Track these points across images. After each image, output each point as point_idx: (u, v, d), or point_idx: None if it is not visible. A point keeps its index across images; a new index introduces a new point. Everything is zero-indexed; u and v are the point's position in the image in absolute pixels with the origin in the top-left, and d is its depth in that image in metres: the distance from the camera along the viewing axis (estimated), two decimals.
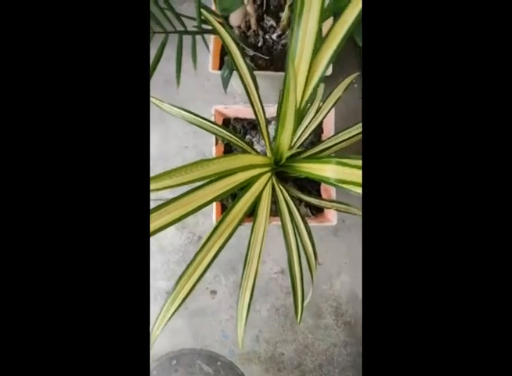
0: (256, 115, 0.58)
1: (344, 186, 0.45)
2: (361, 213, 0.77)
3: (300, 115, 0.50)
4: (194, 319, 0.99)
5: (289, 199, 0.67)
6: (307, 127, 0.66)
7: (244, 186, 0.55)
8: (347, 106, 1.00)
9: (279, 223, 0.62)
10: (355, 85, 1.00)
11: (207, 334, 0.99)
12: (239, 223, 0.49)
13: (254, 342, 0.99)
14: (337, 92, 0.66)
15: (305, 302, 0.66)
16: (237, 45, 0.55)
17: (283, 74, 0.73)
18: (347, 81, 0.67)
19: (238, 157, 0.56)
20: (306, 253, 0.63)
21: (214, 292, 1.00)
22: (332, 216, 0.72)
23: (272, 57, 0.77)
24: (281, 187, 0.67)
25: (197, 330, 0.99)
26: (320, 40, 0.44)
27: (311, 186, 0.76)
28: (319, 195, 0.76)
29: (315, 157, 0.64)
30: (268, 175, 0.61)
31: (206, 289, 0.99)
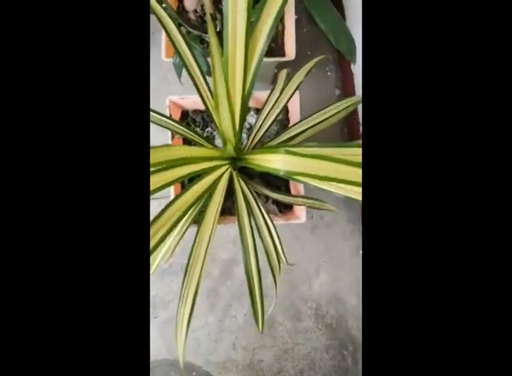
0: (205, 104, 0.51)
1: (297, 177, 0.39)
2: (334, 209, 0.71)
3: (244, 99, 0.43)
4: (165, 328, 0.92)
5: (250, 196, 0.60)
6: (268, 115, 0.60)
7: (192, 179, 0.49)
8: (320, 96, 0.94)
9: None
10: (329, 74, 0.94)
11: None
12: (180, 219, 0.43)
13: (230, 350, 0.93)
14: (299, 77, 0.60)
15: (268, 312, 0.61)
16: (178, 25, 0.49)
17: (267, 59, 0.68)
18: (310, 64, 0.61)
19: (183, 147, 0.49)
20: (268, 255, 0.57)
21: None
22: (300, 213, 0.66)
23: None
24: (241, 183, 0.60)
25: (169, 339, 0.93)
26: (252, 14, 0.37)
27: (280, 181, 0.70)
28: (288, 191, 0.70)
29: (264, 147, 0.58)
30: (224, 168, 0.55)
31: (176, 296, 0.93)
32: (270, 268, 0.59)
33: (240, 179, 0.62)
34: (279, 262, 0.62)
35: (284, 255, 0.69)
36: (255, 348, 0.93)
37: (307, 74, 0.60)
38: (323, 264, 0.94)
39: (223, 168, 0.55)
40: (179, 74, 0.64)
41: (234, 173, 0.61)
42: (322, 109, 0.59)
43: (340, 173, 0.37)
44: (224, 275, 0.93)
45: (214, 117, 0.49)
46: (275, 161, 0.39)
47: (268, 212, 0.67)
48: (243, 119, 0.47)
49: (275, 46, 0.71)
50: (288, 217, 0.69)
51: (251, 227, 0.56)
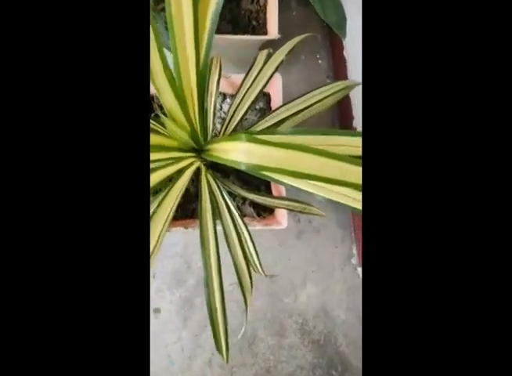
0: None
1: (263, 173, 0.30)
2: (323, 213, 0.62)
3: (201, 77, 0.34)
4: None
5: (219, 195, 0.51)
6: (242, 100, 0.51)
7: None
8: (310, 85, 0.85)
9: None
10: (320, 61, 0.85)
11: (151, 361, 0.82)
12: None
13: (206, 367, 0.83)
14: (279, 56, 0.50)
15: (239, 336, 0.52)
16: None
17: (247, 37, 0.59)
18: (293, 42, 0.52)
19: None
20: (236, 268, 0.47)
21: (157, 310, 0.83)
22: (282, 217, 0.57)
23: (231, 14, 0.61)
24: (210, 179, 0.51)
25: None
26: None
27: (260, 180, 0.61)
28: (268, 191, 0.61)
29: (225, 136, 0.48)
30: (187, 162, 0.45)
31: None
32: (240, 286, 0.50)
33: (209, 175, 0.52)
34: (250, 279, 0.52)
35: (261, 266, 0.59)
36: (233, 367, 0.83)
37: (289, 52, 0.50)
38: (311, 273, 0.85)
39: (185, 162, 0.46)
40: None
41: (203, 168, 0.51)
42: (308, 92, 0.50)
43: (321, 169, 0.28)
44: (200, 284, 0.83)
45: (160, 98, 0.39)
46: (235, 151, 0.30)
47: (243, 216, 0.58)
48: (201, 100, 0.37)
49: (256, 24, 0.62)
50: (267, 221, 0.60)
51: (215, 233, 0.46)
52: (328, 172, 0.28)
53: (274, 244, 0.85)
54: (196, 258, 0.83)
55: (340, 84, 0.51)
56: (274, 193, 0.60)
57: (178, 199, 0.42)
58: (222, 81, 0.57)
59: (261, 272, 0.60)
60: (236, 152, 0.29)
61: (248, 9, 0.60)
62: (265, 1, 0.60)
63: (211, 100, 0.56)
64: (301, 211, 0.58)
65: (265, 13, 0.61)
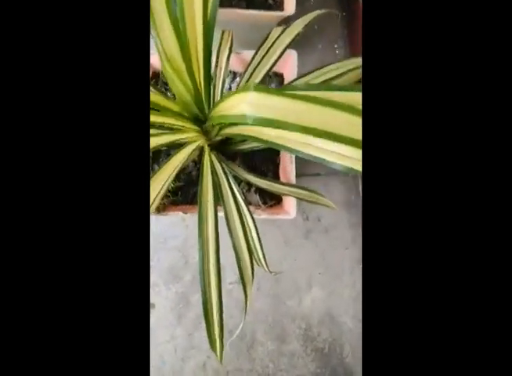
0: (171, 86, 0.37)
1: (270, 128, 0.25)
2: (333, 206, 0.57)
3: (208, 29, 0.30)
4: None
5: (223, 178, 0.46)
6: (250, 78, 0.46)
7: None
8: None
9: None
10: (337, 51, 0.81)
11: None
12: None
13: (199, 371, 0.77)
14: (293, 30, 0.46)
15: (233, 336, 0.47)
16: None
17: (262, 13, 0.55)
18: (308, 17, 0.48)
19: None
20: (238, 259, 0.42)
21: (151, 306, 0.79)
22: (289, 206, 0.52)
23: None
24: (213, 160, 0.46)
25: None
26: None
27: (266, 165, 0.56)
28: (275, 178, 0.56)
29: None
30: (188, 135, 0.41)
31: None
32: (240, 277, 0.45)
33: (213, 156, 0.48)
34: (252, 273, 0.47)
35: (265, 260, 0.54)
36: (229, 372, 0.77)
37: (305, 26, 0.46)
38: (317, 276, 0.79)
39: (187, 134, 0.42)
40: None
41: (206, 148, 0.47)
42: (319, 68, 0.45)
43: (336, 124, 0.23)
44: (197, 281, 0.78)
45: (164, 70, 0.35)
46: (242, 103, 0.25)
47: (248, 203, 0.53)
48: (207, 57, 0.33)
49: (273, 3, 0.58)
50: (274, 211, 0.55)
51: (215, 219, 0.41)
52: (346, 129, 0.23)
53: (279, 241, 0.80)
54: (195, 252, 0.78)
55: (354, 62, 0.46)
56: (282, 179, 0.55)
57: (175, 172, 0.38)
58: (233, 58, 0.54)
59: (265, 266, 0.55)
60: (244, 104, 0.25)
61: None
62: None
63: (220, 75, 0.52)
64: (311, 201, 0.53)
65: None
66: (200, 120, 0.40)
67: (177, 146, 0.43)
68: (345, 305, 0.77)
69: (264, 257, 0.53)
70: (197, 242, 0.40)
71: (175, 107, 0.37)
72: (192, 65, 0.31)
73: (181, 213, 0.52)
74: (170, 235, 0.78)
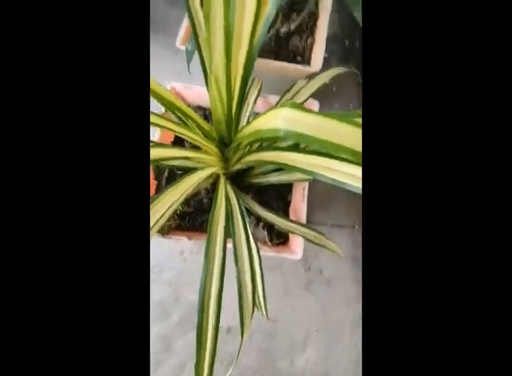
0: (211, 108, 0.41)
1: (300, 141, 0.26)
2: (340, 253, 0.55)
3: (248, 62, 0.33)
4: None
5: (236, 209, 0.46)
6: None
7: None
8: None
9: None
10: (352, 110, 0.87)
11: None
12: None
13: None
14: (316, 82, 0.51)
15: None
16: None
17: (290, 65, 0.61)
18: (332, 72, 0.53)
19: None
20: (240, 294, 0.40)
21: None
22: (297, 246, 0.50)
23: (278, 48, 0.64)
24: (228, 189, 0.47)
25: None
26: None
27: (277, 202, 0.56)
28: (285, 215, 0.56)
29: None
30: (208, 157, 0.42)
31: None
32: (240, 318, 0.42)
33: (229, 185, 0.48)
34: (253, 306, 0.44)
35: (265, 303, 0.51)
36: None
37: (322, 85, 0.51)
38: (314, 333, 0.73)
39: (206, 156, 0.43)
40: (189, 61, 0.57)
41: (222, 177, 0.47)
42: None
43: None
44: (184, 324, 0.72)
45: (209, 87, 0.38)
46: (275, 119, 0.27)
47: (255, 239, 0.52)
48: (242, 92, 0.36)
49: (301, 60, 0.65)
50: (280, 249, 0.53)
51: (224, 251, 0.40)
52: None
53: (279, 290, 0.76)
54: (188, 290, 0.74)
55: None
56: (292, 217, 0.54)
57: (185, 195, 0.37)
58: (259, 100, 0.58)
59: (264, 311, 0.51)
60: (278, 119, 0.26)
61: (295, 45, 0.64)
62: (312, 40, 0.64)
63: (246, 114, 0.55)
64: (318, 244, 0.52)
65: (310, 51, 0.64)
66: (224, 143, 0.41)
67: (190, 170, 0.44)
68: (343, 369, 0.70)
69: (264, 299, 0.50)
70: (192, 283, 0.38)
71: (206, 126, 0.38)
72: (231, 88, 0.34)
73: (185, 238, 0.51)
74: (166, 267, 0.74)
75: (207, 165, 0.46)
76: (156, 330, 0.71)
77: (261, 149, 0.39)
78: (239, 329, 0.41)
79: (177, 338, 0.71)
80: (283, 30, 0.64)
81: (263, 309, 0.51)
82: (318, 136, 0.25)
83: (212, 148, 0.41)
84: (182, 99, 0.61)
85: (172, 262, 0.75)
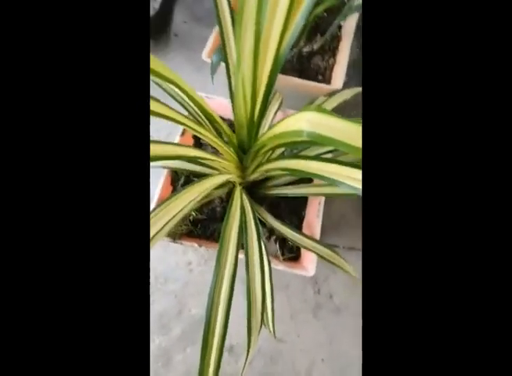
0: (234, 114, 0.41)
1: (322, 142, 0.25)
2: (353, 272, 0.53)
3: (278, 60, 0.33)
4: None
5: (251, 220, 0.45)
6: None
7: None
8: None
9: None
10: None
11: None
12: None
13: None
14: (336, 99, 0.51)
15: None
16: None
17: (311, 83, 0.63)
18: (352, 91, 0.53)
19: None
20: (250, 308, 0.38)
21: None
22: (309, 263, 0.48)
23: (300, 66, 0.66)
24: (244, 200, 0.46)
25: None
26: None
27: (291, 217, 0.55)
28: (299, 230, 0.54)
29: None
30: (227, 167, 0.42)
31: None
32: (248, 333, 0.40)
33: (245, 195, 0.48)
34: (261, 321, 0.42)
35: (273, 320, 0.49)
36: None
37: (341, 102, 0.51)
38: (319, 362, 0.68)
39: (225, 162, 0.43)
40: (213, 72, 0.59)
41: (238, 186, 0.47)
42: None
43: None
44: (185, 338, 0.69)
45: (235, 88, 0.38)
46: (300, 121, 0.27)
47: (267, 252, 0.51)
48: (266, 98, 0.36)
49: (322, 79, 0.66)
50: (291, 265, 0.51)
51: (235, 262, 0.38)
52: None
53: (284, 312, 0.72)
54: (192, 302, 0.72)
55: None
56: (306, 231, 0.53)
57: (196, 200, 0.37)
58: (279, 114, 0.59)
59: (271, 328, 0.49)
60: (302, 121, 0.26)
61: (317, 64, 0.66)
62: (333, 61, 0.66)
63: (265, 126, 0.56)
64: (329, 261, 0.50)
65: (331, 71, 0.66)
66: (243, 150, 0.41)
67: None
68: None
69: (273, 315, 0.48)
70: (203, 288, 0.36)
71: (228, 130, 0.39)
72: (256, 94, 0.34)
73: (196, 245, 0.50)
74: (171, 277, 0.73)
75: (223, 172, 0.46)
76: (158, 341, 0.68)
77: (280, 157, 0.39)
78: (242, 348, 0.39)
79: (178, 352, 0.68)
80: (306, 49, 0.66)
81: (270, 327, 0.49)
82: (342, 139, 0.25)
83: (231, 153, 0.41)
84: None
85: (178, 273, 0.73)
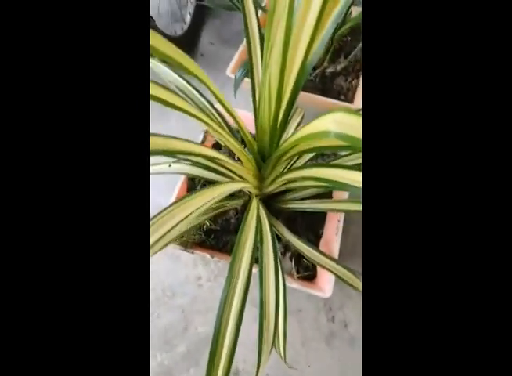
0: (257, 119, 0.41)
1: (347, 142, 0.24)
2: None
3: (303, 72, 0.33)
4: None
5: (267, 233, 0.44)
6: None
7: None
8: None
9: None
10: None
11: None
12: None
13: None
14: None
15: None
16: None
17: (334, 101, 0.63)
18: None
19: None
20: (261, 328, 0.36)
21: None
22: (325, 283, 0.46)
23: (323, 86, 0.67)
24: (261, 213, 0.45)
25: None
26: None
27: (307, 234, 0.53)
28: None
29: None
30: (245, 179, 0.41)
31: None
32: (258, 352, 0.37)
33: (261, 207, 0.47)
34: (273, 343, 0.39)
35: (284, 343, 0.46)
36: None
37: None
38: None
39: (243, 169, 0.42)
40: (236, 87, 0.60)
41: (254, 198, 0.46)
42: None
43: None
44: (191, 356, 0.66)
45: (262, 87, 0.38)
46: (327, 122, 0.26)
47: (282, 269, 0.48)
48: (291, 104, 0.36)
49: (344, 99, 0.66)
50: (306, 284, 0.48)
51: (248, 276, 0.36)
52: None
53: (296, 339, 0.68)
54: (199, 319, 0.69)
55: None
56: (323, 248, 0.50)
57: (206, 206, 0.36)
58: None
59: (282, 354, 0.45)
60: (329, 122, 0.25)
61: (340, 84, 0.66)
62: (356, 82, 0.66)
63: (287, 135, 0.55)
64: (347, 283, 0.47)
65: (354, 92, 0.66)
66: (263, 156, 0.40)
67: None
68: None
69: (285, 337, 0.44)
70: (211, 305, 0.34)
71: (249, 136, 0.38)
72: (281, 98, 0.34)
73: (208, 255, 0.48)
74: (179, 291, 0.70)
75: (240, 181, 0.45)
76: (160, 359, 0.65)
77: (301, 167, 0.38)
78: (249, 373, 0.36)
79: (179, 373, 0.65)
80: (329, 70, 0.67)
81: (281, 352, 0.45)
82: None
83: (250, 160, 0.40)
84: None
85: (187, 287, 0.71)
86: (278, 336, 0.43)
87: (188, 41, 0.97)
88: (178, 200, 0.31)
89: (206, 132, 0.59)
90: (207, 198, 0.36)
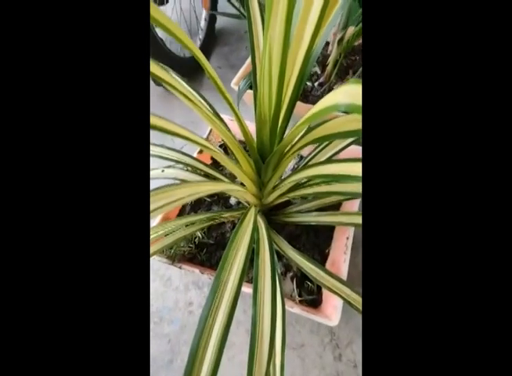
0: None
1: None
2: None
3: (306, 64, 0.30)
4: None
5: (267, 249, 0.38)
6: (318, 154, 0.45)
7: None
8: None
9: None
10: None
11: None
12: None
13: None
14: None
15: None
16: None
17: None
18: None
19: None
20: (252, 358, 0.29)
21: None
22: (332, 310, 0.39)
23: (307, 101, 0.65)
24: (260, 225, 0.39)
25: None
26: None
27: (313, 253, 0.47)
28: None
29: None
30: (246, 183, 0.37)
31: None
32: None
33: (260, 217, 0.42)
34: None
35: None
36: None
37: None
38: None
39: (240, 172, 0.37)
40: (239, 99, 0.58)
41: (253, 206, 0.41)
42: None
43: None
44: None
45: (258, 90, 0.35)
46: (338, 94, 0.22)
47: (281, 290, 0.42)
48: (291, 108, 0.32)
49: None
50: (309, 309, 0.41)
51: (234, 300, 0.30)
52: None
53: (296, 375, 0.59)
54: (186, 351, 0.60)
55: None
56: (329, 268, 0.44)
57: (192, 197, 0.31)
58: None
59: None
60: (340, 94, 0.21)
61: None
62: None
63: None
64: (357, 309, 0.40)
65: None
66: (263, 157, 0.36)
67: (219, 198, 0.38)
68: None
69: (282, 371, 0.37)
70: (193, 343, 0.27)
71: (250, 136, 0.34)
72: (281, 102, 0.31)
73: (197, 271, 0.42)
74: (168, 317, 0.63)
75: (239, 191, 0.40)
76: None
77: (308, 166, 0.33)
78: None
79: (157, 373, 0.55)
80: (336, 86, 0.65)
81: None
82: None
83: (249, 160, 0.36)
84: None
85: (176, 314, 0.63)
86: (274, 366, 0.36)
87: (197, 65, 0.99)
88: (162, 186, 0.27)
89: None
90: (195, 191, 0.31)
